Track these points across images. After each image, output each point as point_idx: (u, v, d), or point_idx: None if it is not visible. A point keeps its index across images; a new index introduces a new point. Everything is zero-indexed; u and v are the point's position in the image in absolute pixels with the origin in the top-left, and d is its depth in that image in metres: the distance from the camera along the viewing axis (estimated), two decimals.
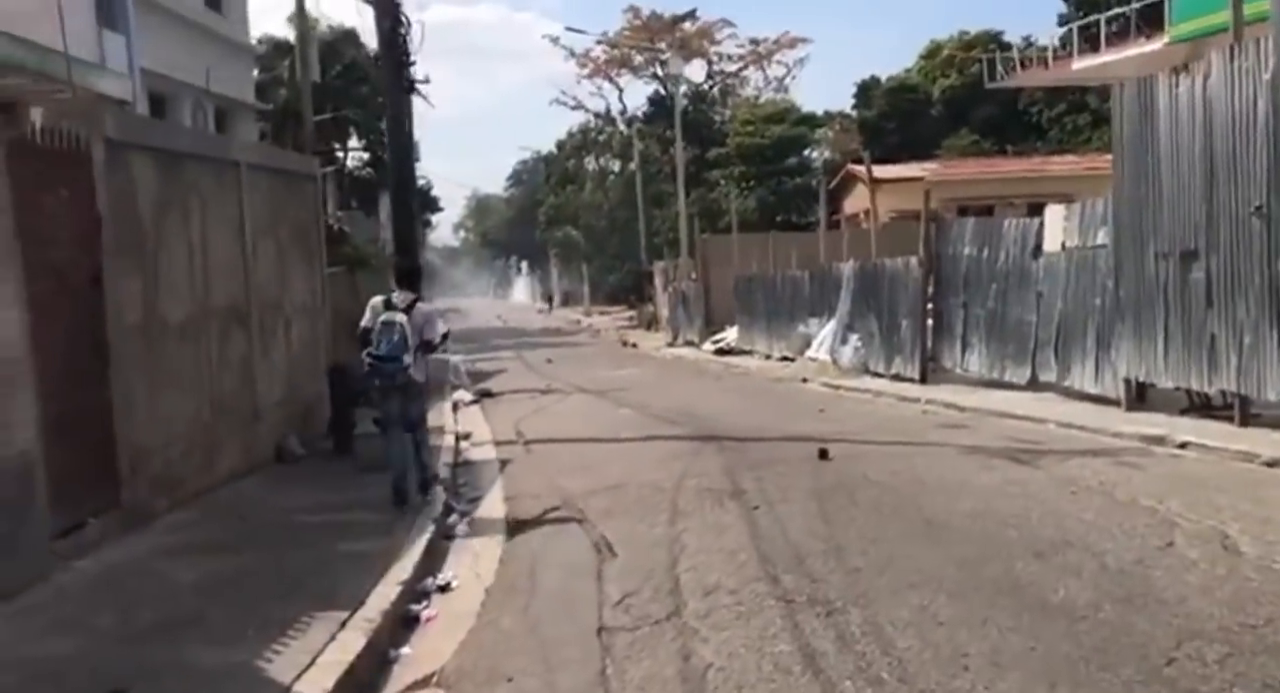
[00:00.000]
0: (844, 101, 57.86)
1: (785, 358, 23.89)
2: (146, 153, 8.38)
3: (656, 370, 24.95)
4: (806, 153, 51.96)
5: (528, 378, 23.89)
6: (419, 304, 9.28)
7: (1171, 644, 4.57)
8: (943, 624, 5.03)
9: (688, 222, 37.92)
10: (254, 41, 38.08)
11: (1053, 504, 7.44)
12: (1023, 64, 36.81)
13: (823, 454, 10.15)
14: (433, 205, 56.55)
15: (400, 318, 8.82)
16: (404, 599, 6.19)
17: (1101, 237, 13.08)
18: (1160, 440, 10.47)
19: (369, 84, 43.65)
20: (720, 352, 28.50)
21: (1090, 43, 30.26)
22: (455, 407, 18.47)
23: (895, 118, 51.66)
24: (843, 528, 7.11)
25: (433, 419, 14.47)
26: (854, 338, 20.38)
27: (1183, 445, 10.19)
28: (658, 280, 42.81)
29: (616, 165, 56.15)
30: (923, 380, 17.28)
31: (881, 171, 40.39)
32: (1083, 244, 13.63)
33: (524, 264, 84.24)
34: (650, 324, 42.64)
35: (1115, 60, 26.50)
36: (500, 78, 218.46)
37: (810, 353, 22.47)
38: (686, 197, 43.01)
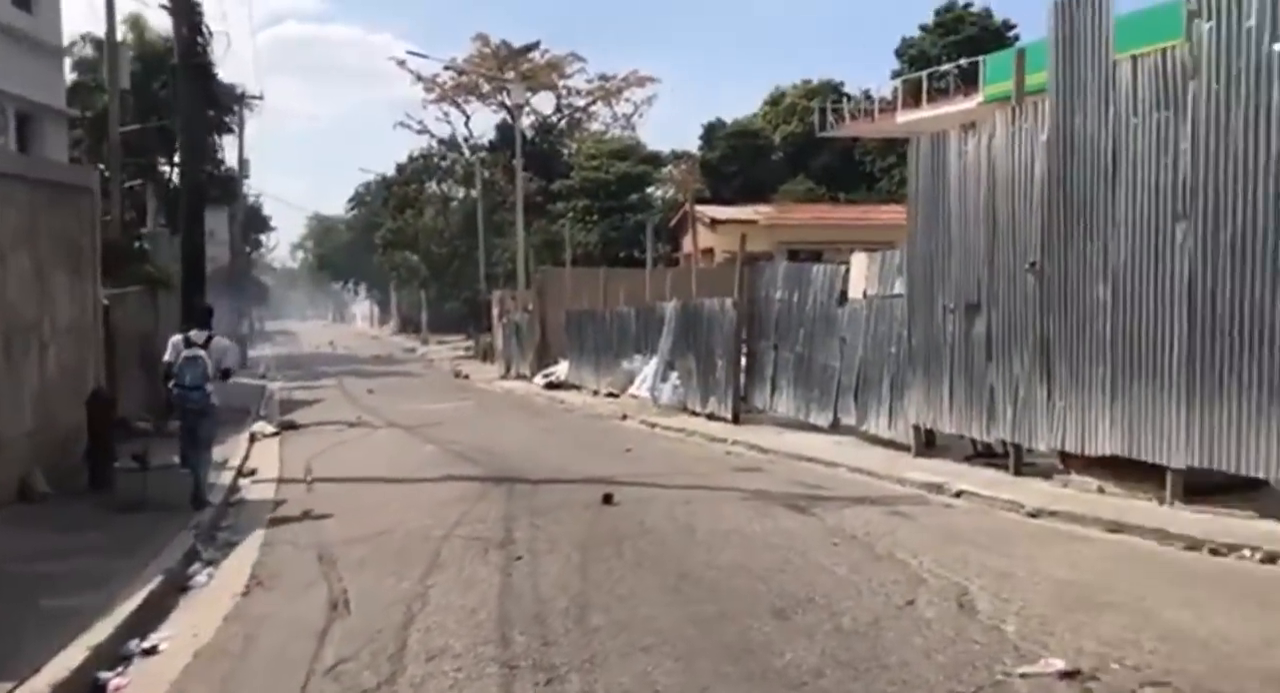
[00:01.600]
0: (691, 141, 58.68)
1: (611, 394, 23.72)
2: None
3: (480, 404, 24.43)
4: (650, 190, 52.46)
5: (342, 409, 22.98)
6: (215, 339, 11.09)
7: None
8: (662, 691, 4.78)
9: (526, 253, 37.58)
10: (76, 41, 35.92)
11: (812, 557, 7.35)
12: (853, 115, 38.06)
13: (607, 499, 9.91)
14: (263, 225, 54.52)
15: (201, 353, 10.71)
16: (91, 666, 5.57)
17: (898, 287, 13.35)
18: (939, 488, 10.65)
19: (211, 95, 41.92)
20: (550, 386, 28.13)
21: (929, 96, 31.51)
22: (253, 438, 17.54)
23: (737, 161, 52.76)
24: (597, 583, 6.83)
25: (224, 453, 13.72)
26: (674, 376, 20.35)
27: (958, 494, 10.39)
28: (495, 311, 42.23)
29: (460, 192, 55.41)
30: (735, 421, 17.33)
31: (718, 212, 41.26)
32: (882, 293, 13.89)
33: (362, 288, 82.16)
34: (486, 355, 41.94)
35: (934, 115, 27.59)
36: (352, 98, 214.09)
37: (633, 390, 22.37)
38: (529, 228, 42.69)
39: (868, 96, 42.24)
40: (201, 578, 7.81)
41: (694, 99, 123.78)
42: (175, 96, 14.45)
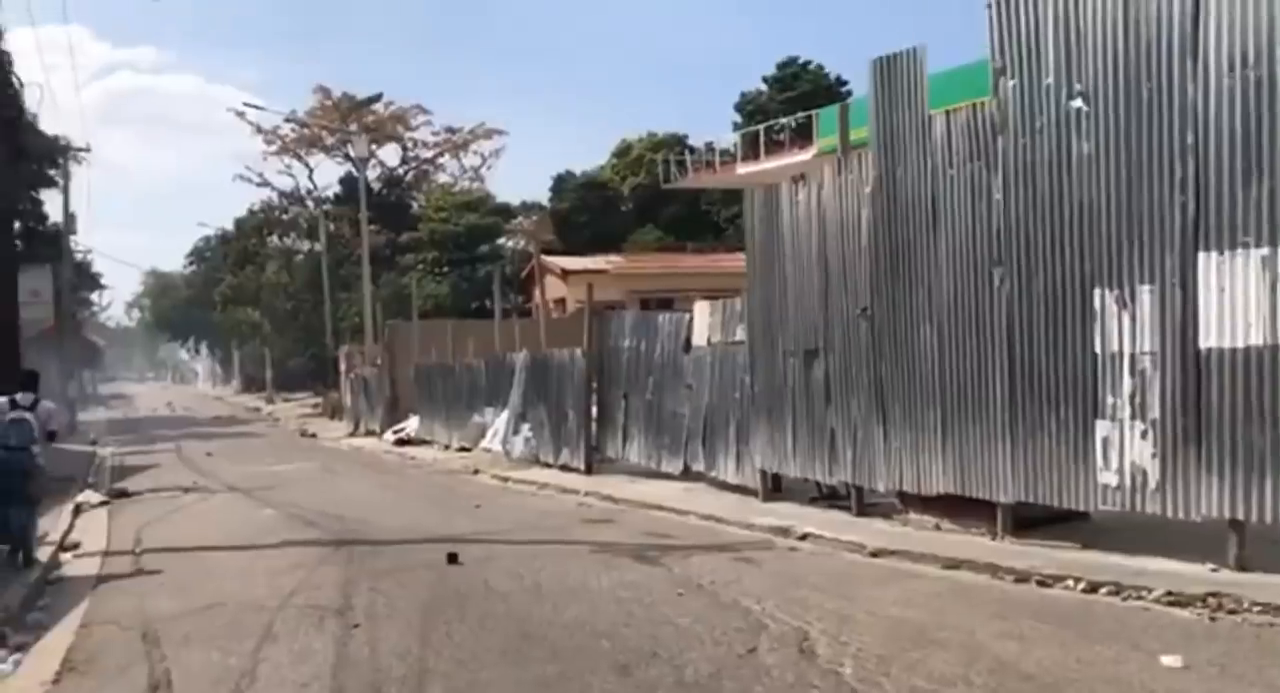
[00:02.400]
0: (541, 192, 58.94)
1: (464, 448, 23.36)
2: None
3: (326, 463, 23.63)
4: (501, 241, 52.40)
5: (179, 474, 21.89)
6: (41, 403, 11.41)
7: None
8: None
9: (374, 307, 36.89)
10: None
11: (657, 609, 7.33)
12: (696, 168, 38.97)
13: (452, 559, 9.69)
14: (93, 283, 51.98)
15: (28, 415, 11.02)
16: None
17: (740, 333, 13.60)
18: (785, 532, 10.82)
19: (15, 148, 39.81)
20: (401, 442, 27.52)
21: (766, 149, 32.48)
22: (78, 509, 16.49)
23: (587, 211, 53.27)
24: (437, 648, 6.64)
25: (45, 525, 12.84)
26: (525, 428, 20.20)
27: (803, 537, 10.57)
28: (343, 366, 41.20)
29: (306, 245, 54.15)
30: (588, 471, 17.27)
31: (569, 263, 41.47)
32: (725, 340, 14.12)
33: (203, 347, 79.04)
34: (335, 412, 40.80)
35: (772, 167, 28.49)
36: (191, 150, 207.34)
37: (485, 443, 22.09)
38: (377, 281, 41.97)
39: (710, 149, 43.44)
40: (6, 667, 7.22)
41: (542, 151, 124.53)
42: None
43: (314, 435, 34.04)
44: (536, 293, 41.47)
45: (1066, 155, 8.75)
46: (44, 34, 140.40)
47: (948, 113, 9.87)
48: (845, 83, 51.88)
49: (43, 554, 11.59)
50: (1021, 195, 9.16)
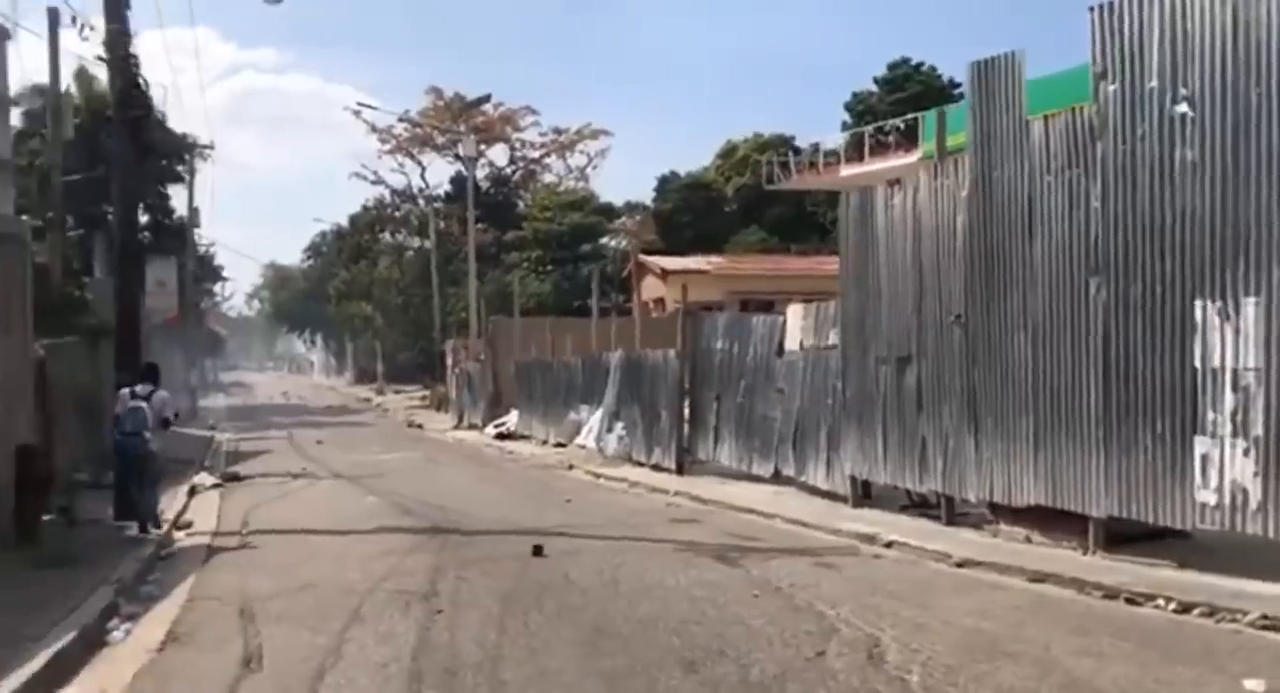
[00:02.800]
0: (646, 193, 59.24)
1: (560, 444, 23.70)
2: None
3: (429, 454, 24.26)
4: (604, 241, 52.90)
5: (289, 459, 22.74)
6: (157, 392, 12.62)
7: None
8: None
9: (478, 303, 37.65)
10: (24, 92, 35.73)
11: (730, 609, 7.41)
12: (799, 170, 38.71)
13: (537, 551, 9.90)
14: (215, 275, 54.19)
15: (143, 404, 12.31)
16: None
17: (833, 338, 13.53)
18: (871, 539, 10.75)
19: (150, 146, 41.76)
20: (501, 436, 28.05)
21: (871, 151, 32.13)
22: (193, 491, 17.30)
23: (690, 212, 53.34)
24: (513, 637, 6.83)
25: (162, 505, 13.56)
26: (619, 426, 20.41)
27: (889, 544, 10.48)
28: (449, 360, 42.14)
29: (416, 242, 55.51)
30: (679, 471, 17.38)
31: (669, 263, 41.58)
32: (818, 344, 14.07)
33: (318, 338, 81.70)
34: (441, 404, 41.75)
35: (876, 170, 28.15)
36: (310, 148, 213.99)
37: (580, 439, 22.39)
38: (483, 278, 42.80)
39: (816, 150, 43.04)
40: (118, 634, 7.69)
41: (648, 152, 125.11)
42: (111, 149, 14.30)
43: (420, 426, 34.89)
44: (638, 292, 41.78)
45: (1169, 162, 8.51)
46: (173, 36, 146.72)
47: (1046, 117, 9.68)
48: (958, 85, 50.80)
49: (157, 533, 12.27)
50: (1121, 203, 8.94)
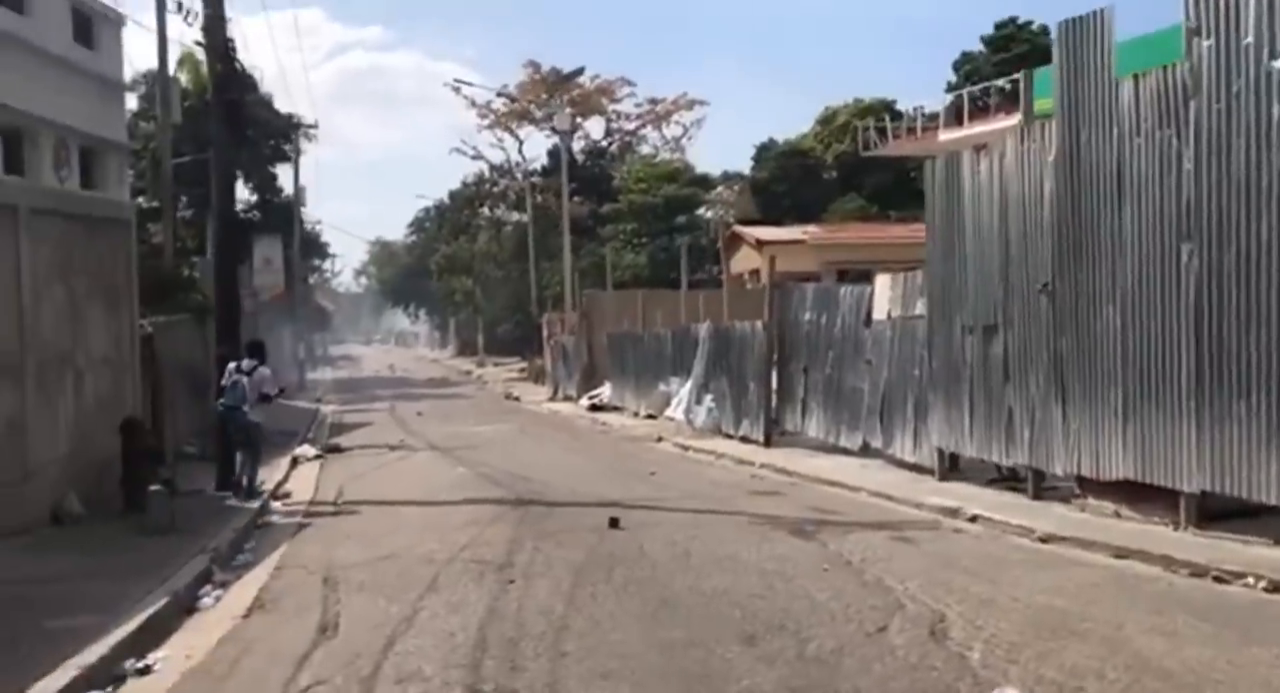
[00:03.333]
0: (744, 161, 58.65)
1: (650, 416, 23.83)
2: None
3: (522, 426, 24.63)
4: (701, 212, 52.63)
5: (389, 432, 23.37)
6: (259, 368, 13.41)
7: None
8: None
9: (574, 276, 37.93)
10: (139, 77, 37.10)
11: (798, 583, 7.37)
12: (896, 135, 37.82)
13: (614, 523, 9.99)
14: (321, 251, 55.68)
15: (244, 379, 13.10)
16: (81, 685, 5.79)
17: (920, 307, 13.28)
18: (954, 513, 10.57)
19: (254, 127, 43.01)
20: (594, 408, 28.33)
21: (972, 114, 31.18)
22: (295, 462, 17.92)
23: (786, 180, 52.64)
24: (579, 607, 6.93)
25: (263, 476, 14.14)
26: (708, 399, 20.39)
27: (972, 519, 10.30)
28: (545, 333, 42.62)
29: (514, 216, 56.11)
30: (767, 443, 17.32)
31: (764, 233, 41.14)
32: (905, 314, 13.82)
33: (421, 312, 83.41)
34: (538, 377, 42.31)
35: (976, 133, 27.35)
36: (413, 124, 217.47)
37: (669, 412, 22.45)
38: (580, 251, 43.11)
39: (918, 114, 41.84)
40: (209, 601, 8.05)
41: (747, 119, 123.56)
42: (210, 132, 14.75)
43: (517, 399, 35.43)
44: (734, 263, 41.52)
45: (1266, 121, 8.08)
46: (283, 19, 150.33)
47: (1136, 77, 9.28)
48: None
49: (256, 502, 12.76)
50: (1215, 165, 8.53)
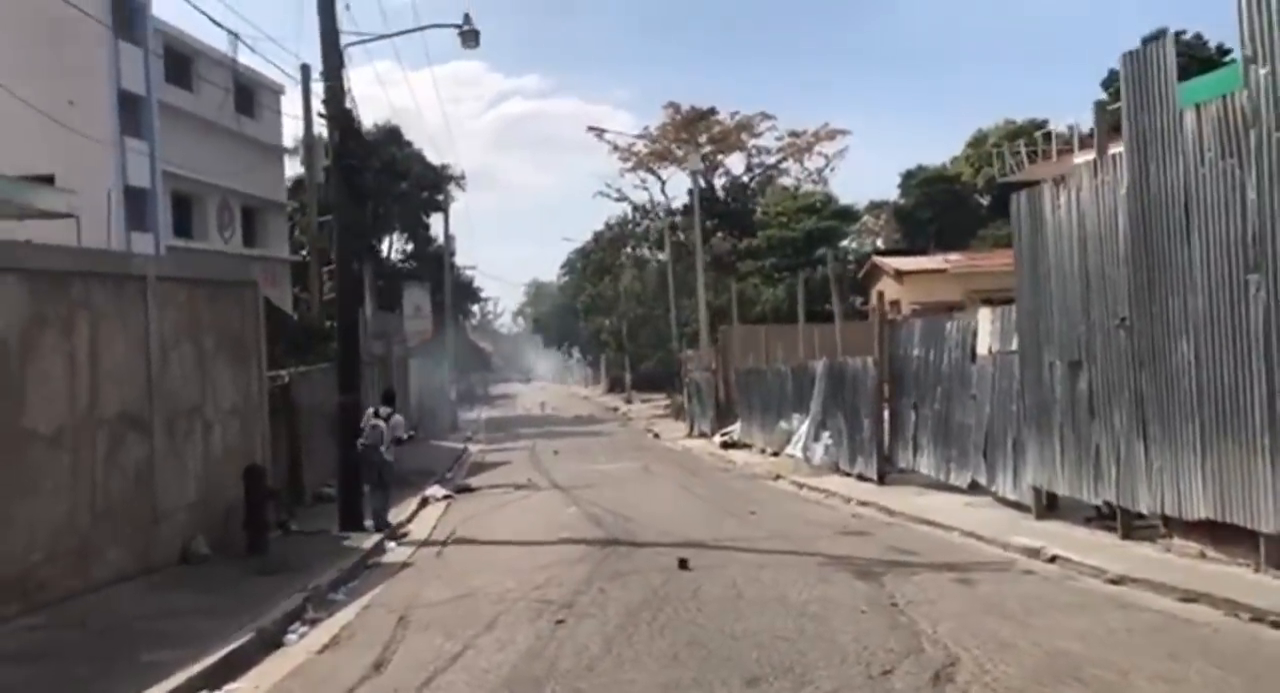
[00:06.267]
0: (891, 190, 57.98)
1: (775, 453, 23.89)
2: (13, 274, 9.07)
3: (646, 464, 25.02)
4: (844, 243, 52.31)
5: (521, 471, 24.22)
6: (394, 415, 15.62)
7: None
8: None
9: (709, 313, 38.33)
10: (292, 141, 39.75)
11: (829, 624, 7.50)
12: (1030, 159, 36.81)
13: (682, 564, 10.27)
14: (472, 296, 57.89)
15: (382, 423, 15.18)
16: None
17: (1016, 343, 13.09)
18: (1036, 553, 10.41)
19: (408, 180, 45.41)
20: (726, 445, 28.53)
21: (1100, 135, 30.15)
22: (424, 502, 18.80)
23: (932, 207, 51.78)
24: (612, 647, 7.26)
25: (394, 515, 15.10)
26: (825, 436, 20.37)
27: (1051, 559, 10.12)
28: (684, 369, 43.10)
29: (661, 255, 57.08)
30: (880, 481, 17.23)
31: (905, 263, 40.64)
32: (1003, 348, 13.64)
33: (574, 351, 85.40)
34: (679, 413, 42.78)
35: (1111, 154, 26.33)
36: (570, 168, 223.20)
37: (789, 449, 22.49)
38: (720, 286, 43.49)
39: (1074, 132, 40.47)
40: (293, 637, 8.73)
41: (893, 146, 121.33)
42: (330, 196, 15.88)
43: (657, 435, 35.97)
44: (875, 293, 41.06)
45: None
46: (447, 71, 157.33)
47: (1198, 106, 9.09)
48: (1227, 52, 46.63)
49: (369, 542, 13.56)
50: (1277, 194, 8.27)
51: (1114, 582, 8.96)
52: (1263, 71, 8.33)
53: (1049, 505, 12.36)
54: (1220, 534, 9.20)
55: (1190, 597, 8.13)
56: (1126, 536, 10.56)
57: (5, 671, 7.33)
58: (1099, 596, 8.40)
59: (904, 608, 7.93)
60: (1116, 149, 10.91)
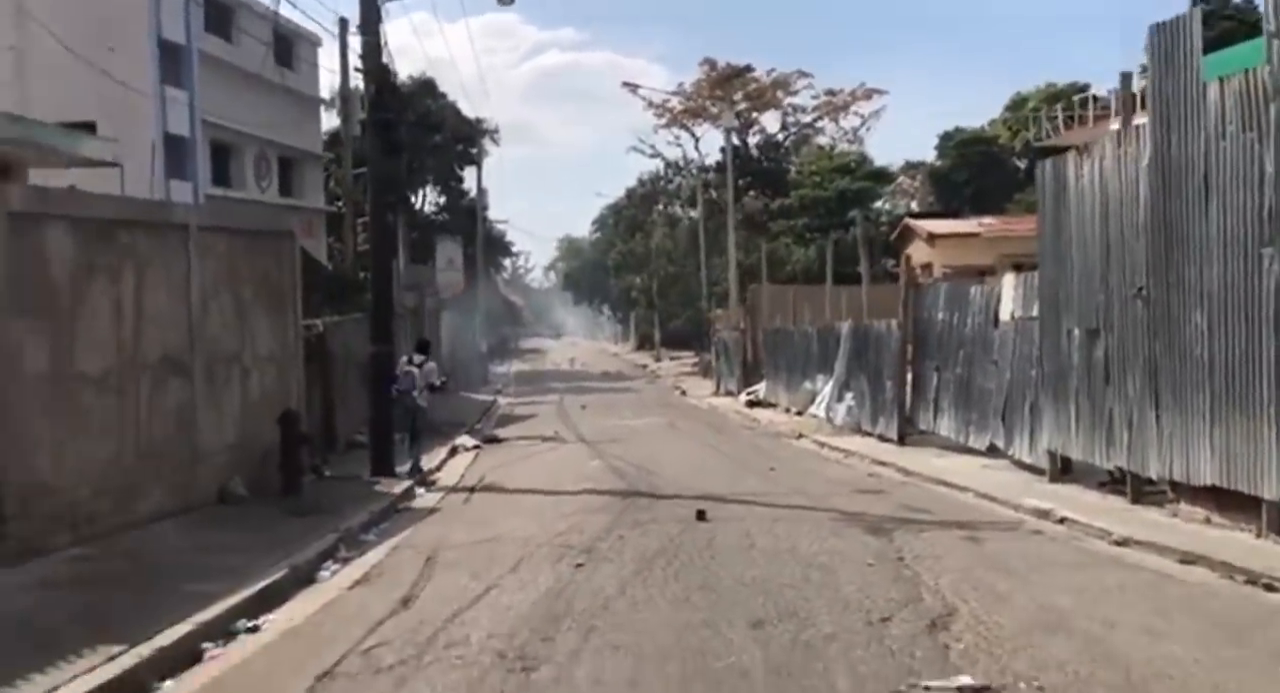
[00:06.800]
0: (929, 151, 57.48)
1: (799, 412, 24.18)
2: (62, 221, 9.47)
3: (673, 420, 25.37)
4: (878, 204, 52.07)
5: (549, 424, 24.65)
6: (428, 362, 16.25)
7: None
8: (599, 683, 5.57)
9: (740, 271, 38.47)
10: (328, 92, 39.97)
11: (836, 575, 7.84)
12: (1067, 124, 36.45)
13: (700, 516, 10.63)
14: (504, 250, 58.22)
15: (415, 370, 15.82)
16: (196, 637, 6.94)
17: (1037, 309, 13.26)
18: (1046, 514, 10.68)
19: (442, 133, 45.61)
20: (751, 403, 28.85)
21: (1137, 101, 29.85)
22: (454, 451, 19.28)
23: (968, 170, 51.33)
24: (627, 590, 7.63)
25: (425, 462, 15.57)
26: (849, 397, 20.65)
27: (1061, 520, 10.39)
28: (713, 328, 43.35)
29: (693, 213, 57.07)
30: (900, 442, 17.50)
31: (938, 226, 40.42)
32: (1025, 314, 13.81)
33: (604, 307, 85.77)
34: (706, 372, 43.10)
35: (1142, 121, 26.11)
36: (604, 122, 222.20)
37: (813, 409, 22.79)
38: (752, 246, 43.55)
39: (1115, 97, 39.87)
40: (326, 574, 9.18)
41: (934, 107, 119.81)
42: (366, 149, 16.18)
43: (684, 393, 36.34)
44: (909, 255, 40.96)
45: None
46: (482, 22, 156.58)
47: (1221, 80, 9.19)
48: None
49: (399, 487, 14.03)
50: None
51: (1118, 543, 9.22)
52: None
53: (1063, 470, 12.60)
54: (1225, 500, 9.43)
55: (1189, 559, 8.39)
56: (1136, 500, 10.81)
57: (60, 596, 7.81)
58: (1102, 556, 8.68)
59: (910, 562, 8.25)
60: (1141, 120, 10.98)
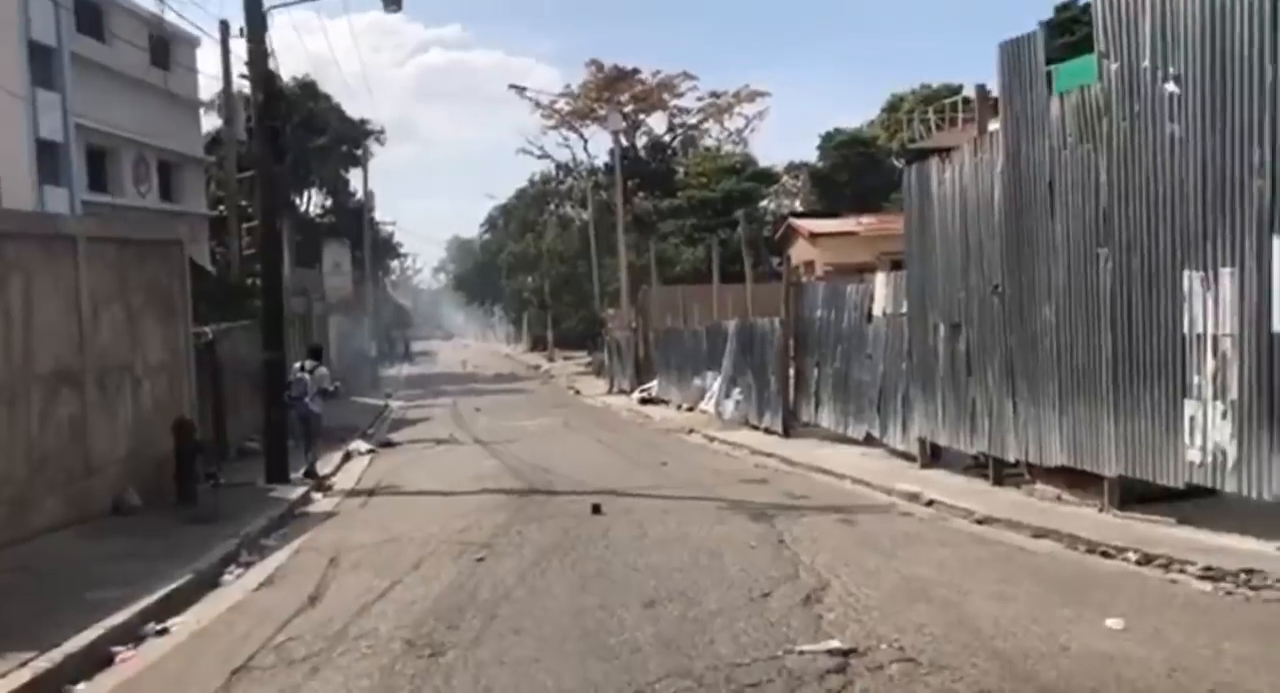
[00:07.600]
0: (811, 151, 59.06)
1: (690, 409, 24.87)
2: None
3: (568, 420, 25.77)
4: (763, 204, 53.37)
5: (443, 427, 24.77)
6: (319, 368, 16.36)
7: (661, 675, 5.57)
8: (504, 663, 6.01)
9: (630, 272, 39.08)
10: (216, 95, 39.23)
11: (722, 558, 8.42)
12: (939, 126, 38.06)
13: (596, 509, 11.11)
14: (392, 252, 57.78)
15: (307, 376, 15.97)
16: (106, 641, 7.12)
17: (906, 306, 14.10)
18: (915, 497, 11.48)
19: (326, 135, 45.11)
20: (644, 401, 29.44)
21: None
22: (348, 456, 19.33)
23: (848, 170, 53.01)
24: (527, 580, 8.07)
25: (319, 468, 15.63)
26: (736, 392, 21.39)
27: (929, 503, 11.19)
28: (607, 328, 43.89)
29: (584, 213, 57.49)
30: (785, 434, 18.27)
31: (819, 226, 41.75)
32: (895, 311, 14.66)
33: (496, 308, 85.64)
34: (600, 371, 43.59)
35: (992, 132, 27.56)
36: (491, 122, 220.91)
37: (703, 405, 23.50)
38: (641, 247, 44.22)
39: (983, 99, 41.74)
40: (230, 577, 9.37)
41: (814, 109, 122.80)
42: (252, 154, 16.20)
43: (578, 393, 36.70)
44: (791, 255, 42.16)
45: (1161, 137, 8.84)
46: (364, 19, 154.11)
47: (1061, 95, 10.07)
48: None
49: (296, 493, 14.14)
50: (1123, 176, 9.31)
51: (980, 522, 10.03)
52: (1113, 66, 9.31)
53: (933, 456, 13.47)
54: (1074, 479, 10.34)
55: (1041, 533, 9.23)
56: (997, 482, 11.69)
57: None
58: (963, 533, 9.46)
59: (789, 544, 8.88)
60: (995, 128, 11.86)
